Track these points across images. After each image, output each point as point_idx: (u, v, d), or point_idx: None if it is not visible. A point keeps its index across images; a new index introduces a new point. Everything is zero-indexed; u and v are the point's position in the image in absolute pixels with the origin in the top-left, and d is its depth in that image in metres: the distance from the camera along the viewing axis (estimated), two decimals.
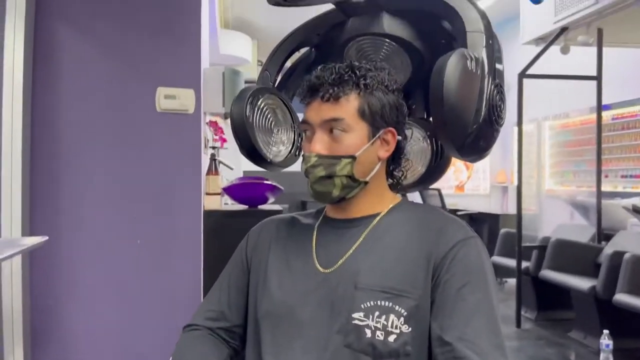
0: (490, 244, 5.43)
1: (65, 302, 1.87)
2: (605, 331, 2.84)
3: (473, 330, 0.83)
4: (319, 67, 0.96)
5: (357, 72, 0.93)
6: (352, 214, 0.97)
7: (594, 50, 4.09)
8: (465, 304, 0.85)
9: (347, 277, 0.90)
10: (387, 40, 1.08)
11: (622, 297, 3.24)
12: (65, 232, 1.86)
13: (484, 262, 0.90)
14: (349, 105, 0.91)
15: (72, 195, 1.87)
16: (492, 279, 0.90)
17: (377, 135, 0.94)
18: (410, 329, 0.85)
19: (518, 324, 4.07)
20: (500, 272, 4.92)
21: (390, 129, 0.95)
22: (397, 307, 0.86)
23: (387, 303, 0.86)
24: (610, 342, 2.87)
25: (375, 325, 0.85)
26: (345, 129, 0.91)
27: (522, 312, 4.18)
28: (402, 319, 0.85)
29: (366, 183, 0.95)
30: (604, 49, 4.09)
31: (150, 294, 1.93)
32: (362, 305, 0.87)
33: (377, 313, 0.86)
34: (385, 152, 0.96)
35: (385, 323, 0.85)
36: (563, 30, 3.91)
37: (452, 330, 0.84)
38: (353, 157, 0.91)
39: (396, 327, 0.85)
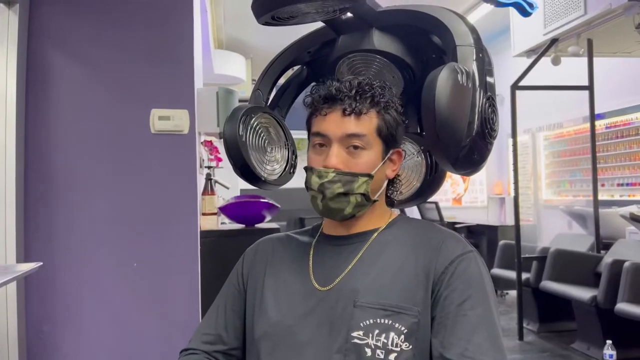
0: (489, 255, 5.42)
1: (61, 328, 1.84)
2: (609, 341, 2.82)
3: (475, 346, 0.82)
4: (332, 78, 0.95)
5: (377, 89, 0.92)
6: (352, 231, 0.96)
7: (585, 60, 4.13)
8: (467, 319, 0.84)
9: (346, 295, 0.88)
10: (378, 56, 1.08)
11: (623, 306, 3.22)
12: (60, 257, 1.84)
13: (483, 276, 0.89)
14: (371, 123, 0.91)
15: (66, 219, 1.86)
16: (492, 293, 0.89)
17: (388, 155, 0.94)
18: (410, 346, 0.84)
19: (520, 337, 4.04)
20: (501, 284, 4.89)
21: (399, 149, 0.96)
22: (397, 325, 0.85)
23: (386, 321, 0.85)
24: (614, 353, 2.85)
25: (375, 343, 0.84)
26: (365, 146, 0.90)
27: (524, 325, 4.15)
28: (402, 336, 0.84)
29: (375, 201, 0.94)
30: (595, 59, 4.13)
31: (147, 318, 1.90)
32: (362, 324, 0.85)
33: (376, 331, 0.84)
34: (392, 172, 0.97)
35: (385, 341, 0.84)
36: (553, 41, 3.94)
37: (454, 347, 0.82)
38: (370, 176, 0.91)
39: (397, 345, 0.84)
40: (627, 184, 4.87)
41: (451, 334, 0.83)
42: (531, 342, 3.98)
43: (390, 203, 1.02)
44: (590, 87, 4.17)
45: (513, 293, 4.54)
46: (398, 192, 1.14)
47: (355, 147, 0.90)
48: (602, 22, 3.52)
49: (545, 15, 3.92)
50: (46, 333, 1.83)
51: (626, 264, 3.32)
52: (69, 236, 1.86)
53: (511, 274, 4.39)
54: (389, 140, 0.93)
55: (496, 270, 4.79)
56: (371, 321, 0.85)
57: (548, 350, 3.77)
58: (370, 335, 0.84)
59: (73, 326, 1.85)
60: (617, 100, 4.84)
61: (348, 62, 1.11)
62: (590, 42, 3.98)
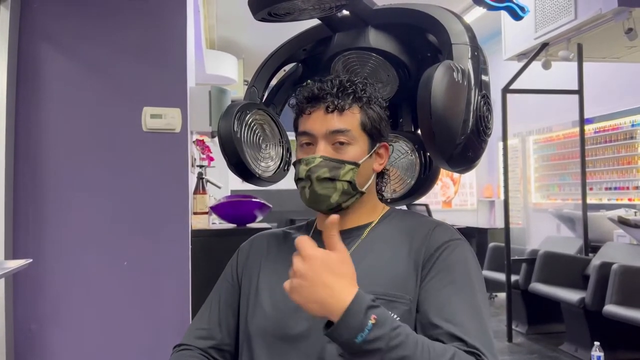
0: (479, 258, 5.41)
1: (49, 327, 1.82)
2: (596, 343, 2.84)
3: (460, 319, 0.81)
4: (314, 80, 0.96)
5: (358, 85, 0.94)
6: (345, 226, 0.96)
7: (575, 65, 4.17)
8: (452, 298, 0.84)
9: None
10: (374, 54, 1.09)
11: (611, 308, 3.25)
12: (50, 254, 1.83)
13: (469, 262, 0.90)
14: (354, 118, 0.93)
15: (56, 216, 1.84)
16: (478, 280, 0.89)
17: (374, 149, 0.95)
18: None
19: (509, 339, 4.06)
20: (490, 286, 4.92)
21: (384, 143, 0.98)
22: (390, 313, 0.85)
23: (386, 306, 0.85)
24: (602, 354, 2.87)
25: None
26: (351, 141, 0.92)
27: (513, 327, 4.18)
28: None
29: (362, 193, 0.95)
30: (585, 64, 4.17)
31: (137, 317, 1.89)
32: None
33: None
34: (379, 165, 0.98)
35: None
36: (544, 46, 3.98)
37: (437, 319, 0.82)
38: (356, 164, 0.92)
39: None
40: (615, 188, 4.92)
41: (436, 312, 0.83)
42: (520, 344, 4.00)
43: (385, 200, 1.03)
44: (579, 92, 4.21)
45: (502, 295, 4.58)
46: (392, 191, 1.14)
47: (341, 143, 0.92)
48: (592, 27, 3.55)
49: (536, 19, 3.96)
50: (34, 332, 1.81)
51: (614, 267, 3.35)
52: (58, 234, 1.84)
53: (500, 276, 4.42)
54: (374, 135, 0.95)
55: (486, 272, 4.82)
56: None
57: (536, 352, 3.79)
58: None
59: (62, 325, 1.83)
60: (606, 105, 4.89)
61: (343, 60, 1.11)
62: (580, 47, 4.01)
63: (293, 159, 1.19)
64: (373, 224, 0.97)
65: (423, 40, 1.09)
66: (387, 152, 0.99)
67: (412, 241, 0.92)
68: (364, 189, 0.95)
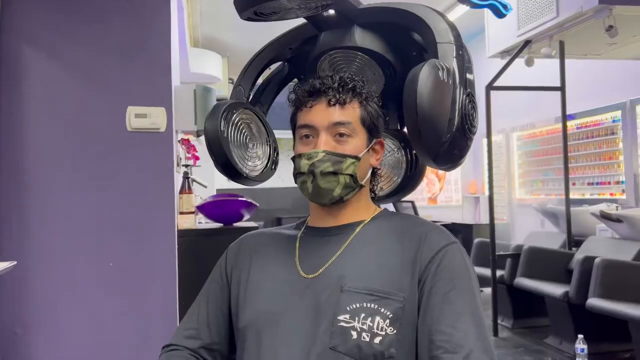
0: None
1: (34, 331, 1.80)
2: (580, 336, 2.89)
3: (461, 333, 0.83)
4: (316, 76, 1.00)
5: (358, 82, 0.97)
6: (339, 222, 0.98)
7: (557, 62, 4.22)
8: (453, 307, 0.86)
9: (332, 281, 0.90)
10: (360, 53, 1.09)
11: (594, 302, 3.30)
12: (34, 256, 1.80)
13: (468, 266, 0.92)
14: (354, 112, 0.96)
15: (41, 218, 1.82)
16: (476, 283, 0.92)
17: (372, 144, 0.98)
18: (395, 331, 0.86)
19: (495, 333, 4.10)
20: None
21: (381, 139, 1.01)
22: (382, 309, 0.86)
23: (373, 305, 0.86)
24: (585, 347, 2.92)
25: (361, 327, 0.85)
26: (351, 133, 0.95)
27: (499, 321, 4.22)
28: (387, 321, 0.86)
29: (362, 187, 0.98)
30: (567, 60, 4.22)
31: (124, 319, 1.87)
32: (348, 308, 0.87)
33: (363, 315, 0.86)
34: (376, 161, 1.01)
35: (371, 325, 0.85)
36: (526, 43, 4.02)
37: (441, 334, 0.84)
38: (357, 158, 0.95)
39: (382, 329, 0.85)
40: (597, 183, 5.00)
41: (438, 321, 0.85)
42: (506, 338, 4.05)
43: (373, 198, 1.04)
44: (562, 88, 4.26)
45: (488, 290, 4.62)
46: (379, 188, 1.15)
47: (342, 135, 0.94)
48: (573, 24, 3.59)
49: (518, 17, 3.99)
50: (19, 335, 1.79)
51: (597, 260, 3.40)
52: (43, 235, 1.82)
53: (486, 271, 4.46)
54: (372, 130, 0.98)
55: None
56: (357, 305, 0.87)
57: (522, 346, 3.84)
58: (357, 318, 0.86)
59: (47, 328, 1.81)
60: (588, 101, 4.96)
61: (329, 59, 1.11)
62: (562, 44, 4.06)
63: (281, 158, 1.20)
64: (365, 222, 0.99)
65: (408, 39, 1.09)
66: (383, 149, 1.03)
67: (406, 240, 0.93)
68: (363, 182, 0.98)
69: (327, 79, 0.96)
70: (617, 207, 4.32)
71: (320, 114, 0.94)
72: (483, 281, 4.82)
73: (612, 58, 4.37)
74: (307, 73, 1.11)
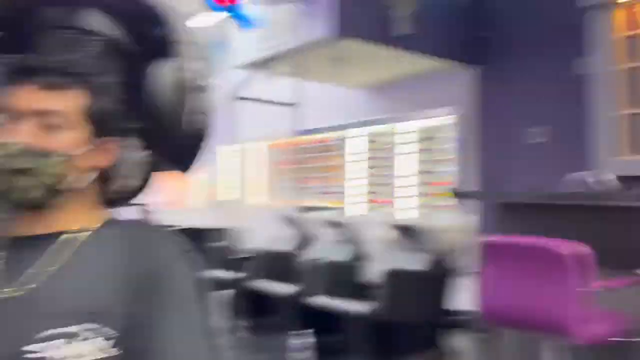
0: (200, 257, 5.54)
1: None
2: (306, 330, 3.20)
3: (191, 348, 0.79)
4: (33, 46, 0.82)
5: (92, 66, 0.83)
6: (52, 228, 0.83)
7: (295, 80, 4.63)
8: (183, 321, 0.80)
9: (32, 302, 0.76)
10: (96, 37, 0.98)
11: (319, 299, 3.69)
12: None
13: (195, 277, 0.87)
14: (75, 100, 0.81)
15: None
16: (207, 295, 0.88)
17: (99, 142, 0.85)
18: (119, 351, 0.77)
19: (231, 333, 4.24)
20: (213, 284, 5.04)
21: (115, 138, 0.87)
22: (103, 329, 0.76)
23: (88, 326, 0.75)
24: (310, 340, 3.24)
25: (61, 356, 0.72)
26: (64, 125, 0.79)
27: (236, 322, 4.38)
28: (108, 341, 0.76)
29: (76, 192, 0.83)
30: (305, 81, 4.68)
31: None
32: (44, 335, 0.73)
33: (62, 341, 0.73)
34: (104, 162, 0.87)
35: (78, 352, 0.73)
36: (269, 59, 4.30)
37: (170, 352, 0.78)
38: (68, 156, 0.80)
39: (97, 352, 0.75)
40: (325, 193, 5.65)
41: (165, 338, 0.79)
42: (243, 339, 4.22)
43: (106, 202, 0.93)
44: (296, 105, 4.70)
45: (224, 292, 4.75)
46: (114, 191, 1.06)
47: (51, 127, 0.79)
48: (308, 49, 4.00)
49: (264, 33, 4.25)
50: None
51: (320, 262, 3.84)
52: None
53: (223, 274, 4.60)
54: (101, 125, 0.84)
55: (208, 272, 4.94)
56: (59, 331, 0.74)
57: (258, 343, 4.05)
58: (56, 346, 0.73)
59: None
60: (320, 119, 5.57)
61: (58, 39, 0.96)
62: (298, 65, 4.47)
63: None
64: (88, 231, 0.85)
65: (151, 34, 1.04)
66: (116, 150, 0.88)
67: (132, 252, 0.83)
68: (77, 186, 0.83)
69: (45, 54, 0.81)
70: (336, 213, 4.95)
71: (25, 97, 0.78)
72: (220, 284, 4.95)
73: (342, 84, 5.01)
74: (22, 50, 0.92)
